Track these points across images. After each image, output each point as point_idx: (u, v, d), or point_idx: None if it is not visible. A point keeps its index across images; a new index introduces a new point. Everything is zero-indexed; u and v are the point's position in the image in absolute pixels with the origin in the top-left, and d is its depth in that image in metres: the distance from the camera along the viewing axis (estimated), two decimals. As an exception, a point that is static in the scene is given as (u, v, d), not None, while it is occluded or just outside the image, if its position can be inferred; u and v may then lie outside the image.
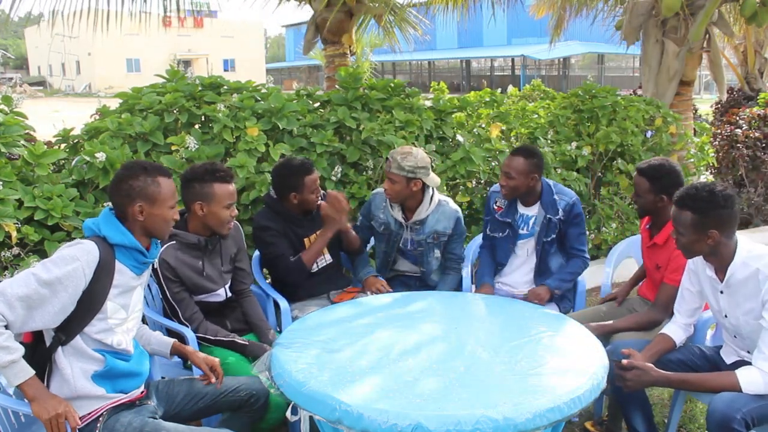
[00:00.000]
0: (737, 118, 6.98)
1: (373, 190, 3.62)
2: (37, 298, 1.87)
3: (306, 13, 7.41)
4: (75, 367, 2.00)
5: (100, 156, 3.08)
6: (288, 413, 1.99)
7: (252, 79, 4.09)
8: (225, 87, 3.87)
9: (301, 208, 3.11)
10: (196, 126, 3.65)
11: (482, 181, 4.36)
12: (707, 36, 6.13)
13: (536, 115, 5.15)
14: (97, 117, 3.74)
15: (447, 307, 2.68)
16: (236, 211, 2.67)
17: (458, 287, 3.29)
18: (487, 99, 5.09)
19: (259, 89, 3.95)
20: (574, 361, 2.13)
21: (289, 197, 3.05)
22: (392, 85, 4.39)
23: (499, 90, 5.59)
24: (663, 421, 2.93)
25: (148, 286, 2.80)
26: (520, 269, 3.26)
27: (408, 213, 3.25)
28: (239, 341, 2.63)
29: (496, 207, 3.26)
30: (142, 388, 2.18)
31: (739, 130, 6.69)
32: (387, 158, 3.19)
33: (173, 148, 3.44)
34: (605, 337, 2.69)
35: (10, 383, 1.91)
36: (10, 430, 2.13)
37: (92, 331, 2.01)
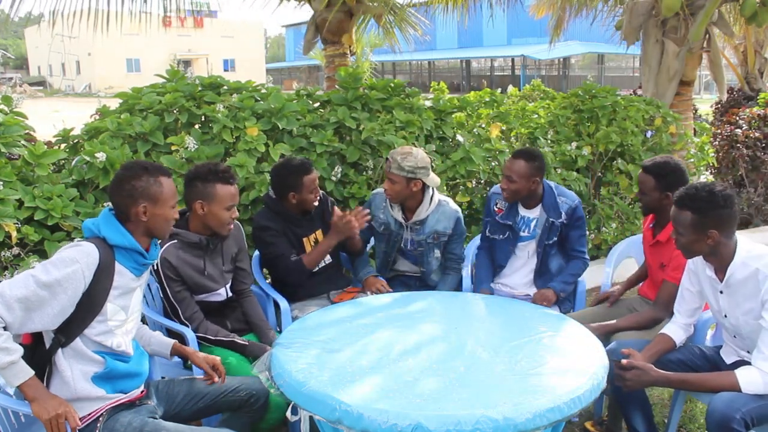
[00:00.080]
0: (737, 118, 6.98)
1: (373, 190, 3.62)
2: (36, 299, 1.87)
3: (306, 13, 7.41)
4: (75, 369, 2.00)
5: (100, 156, 3.08)
6: (288, 413, 1.99)
7: (252, 79, 4.09)
8: (225, 87, 3.88)
9: (300, 208, 3.11)
10: (196, 126, 3.66)
11: (482, 181, 4.35)
12: (707, 36, 6.14)
13: (536, 115, 5.15)
14: (97, 117, 3.75)
15: (447, 307, 2.68)
16: (237, 213, 2.67)
17: (458, 287, 3.29)
18: (487, 99, 5.09)
19: (258, 89, 3.95)
20: (574, 361, 2.13)
21: (288, 197, 3.05)
22: (392, 85, 4.39)
23: (499, 90, 5.58)
24: (663, 421, 2.93)
25: (148, 285, 2.80)
26: (520, 271, 3.25)
27: (408, 213, 3.25)
28: (239, 341, 2.63)
29: (496, 209, 3.25)
30: (141, 388, 2.18)
31: (739, 130, 6.69)
32: (387, 158, 3.19)
33: (173, 148, 3.44)
34: (606, 336, 2.69)
35: (9, 384, 1.91)
36: (10, 430, 2.13)
37: (92, 333, 2.01)
